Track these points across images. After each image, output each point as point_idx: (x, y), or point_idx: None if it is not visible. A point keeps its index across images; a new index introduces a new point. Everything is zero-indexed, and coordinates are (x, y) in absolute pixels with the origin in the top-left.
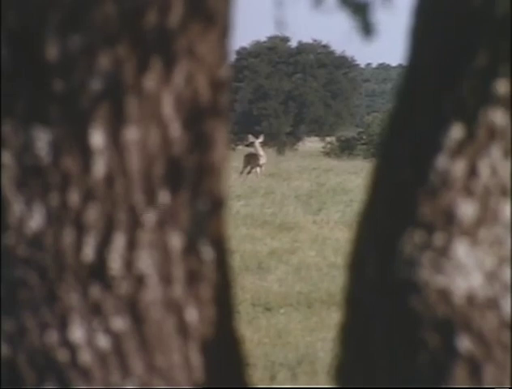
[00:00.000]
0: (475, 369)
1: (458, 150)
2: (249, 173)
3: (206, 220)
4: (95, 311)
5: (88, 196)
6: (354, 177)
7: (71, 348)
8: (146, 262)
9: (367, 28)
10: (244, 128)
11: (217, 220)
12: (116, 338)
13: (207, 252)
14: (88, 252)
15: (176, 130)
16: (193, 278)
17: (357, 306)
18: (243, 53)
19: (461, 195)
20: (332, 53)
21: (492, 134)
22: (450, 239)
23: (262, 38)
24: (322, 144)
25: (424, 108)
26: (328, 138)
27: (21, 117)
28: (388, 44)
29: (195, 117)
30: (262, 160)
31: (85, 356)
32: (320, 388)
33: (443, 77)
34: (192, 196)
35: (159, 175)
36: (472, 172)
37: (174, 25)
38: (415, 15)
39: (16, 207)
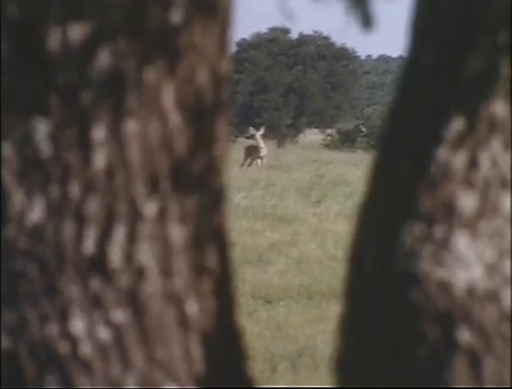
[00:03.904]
0: (475, 361)
1: (459, 142)
2: (249, 165)
3: (206, 212)
4: (95, 304)
5: (89, 188)
6: (354, 169)
7: (72, 340)
8: (146, 254)
9: (366, 20)
10: (244, 120)
11: (218, 212)
12: (116, 330)
13: (208, 244)
14: (89, 244)
15: (176, 122)
16: (193, 270)
17: (357, 299)
18: (243, 45)
19: (461, 187)
20: (333, 44)
21: (493, 126)
22: (451, 231)
23: (263, 29)
24: (323, 136)
25: (425, 100)
26: (328, 131)
27: (21, 109)
28: (389, 36)
29: (196, 110)
30: (263, 152)
31: (85, 349)
32: (320, 388)
33: (444, 69)
34: (193, 189)
35: (159, 168)
36: (473, 164)
37: (176, 19)
38: (415, 7)
39: (16, 199)
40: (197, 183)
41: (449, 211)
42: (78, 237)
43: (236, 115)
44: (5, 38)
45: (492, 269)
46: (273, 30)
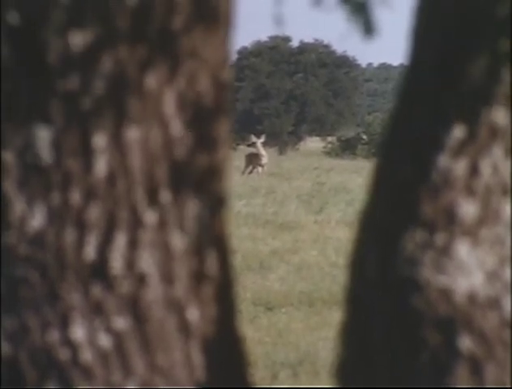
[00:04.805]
0: (476, 368)
1: (460, 149)
2: (250, 172)
3: (207, 219)
4: (96, 310)
5: (90, 195)
6: (355, 176)
7: (73, 347)
8: (147, 261)
9: (367, 27)
10: (245, 127)
11: (219, 219)
12: (117, 337)
13: (209, 251)
14: (90, 251)
15: (178, 129)
16: (194, 277)
17: (358, 305)
18: (244, 53)
19: (462, 195)
20: (333, 52)
21: (494, 133)
22: (452, 238)
23: (264, 37)
24: (324, 144)
25: (426, 107)
26: (329, 138)
27: (23, 116)
28: (389, 44)
29: (197, 117)
30: (264, 160)
31: (86, 356)
32: (321, 388)
33: (444, 76)
34: (194, 196)
35: (160, 174)
36: (474, 171)
37: (178, 26)
38: (416, 15)
39: (18, 205)
40: (198, 190)
41: (450, 218)
42: (79, 244)
43: (237, 122)
44: (6, 44)
45: (493, 276)
46: (274, 38)
